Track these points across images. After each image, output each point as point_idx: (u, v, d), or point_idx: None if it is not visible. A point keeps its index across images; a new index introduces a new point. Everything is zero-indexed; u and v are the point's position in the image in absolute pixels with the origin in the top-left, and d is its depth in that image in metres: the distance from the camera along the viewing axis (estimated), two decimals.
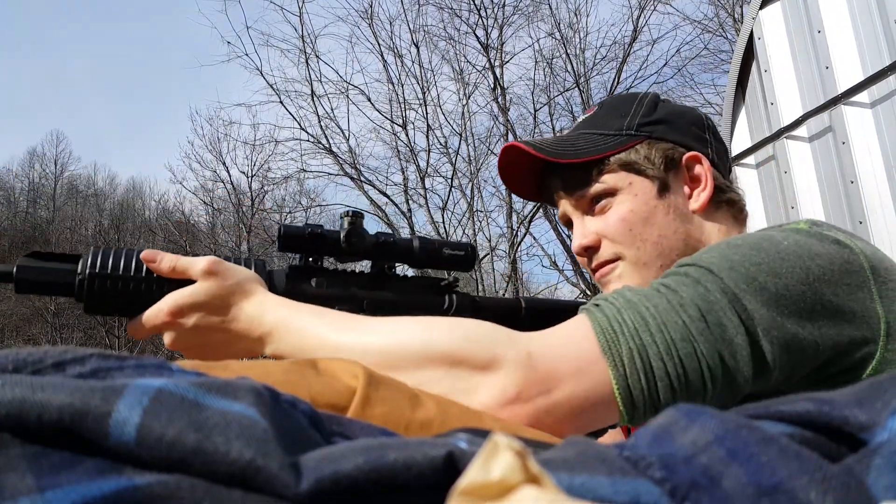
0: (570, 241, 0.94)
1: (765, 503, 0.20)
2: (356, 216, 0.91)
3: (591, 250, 0.87)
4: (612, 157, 0.84)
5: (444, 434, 0.36)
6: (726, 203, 0.87)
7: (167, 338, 0.77)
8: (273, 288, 0.85)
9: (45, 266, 0.78)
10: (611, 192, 0.85)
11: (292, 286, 0.87)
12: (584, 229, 0.87)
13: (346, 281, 0.92)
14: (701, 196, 0.84)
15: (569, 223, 0.91)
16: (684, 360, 0.59)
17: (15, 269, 0.77)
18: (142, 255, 0.79)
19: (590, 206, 0.87)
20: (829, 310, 0.63)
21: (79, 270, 0.77)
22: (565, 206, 0.90)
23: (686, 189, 0.86)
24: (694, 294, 0.62)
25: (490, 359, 0.58)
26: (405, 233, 13.07)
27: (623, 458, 0.23)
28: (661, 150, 0.84)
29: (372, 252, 0.92)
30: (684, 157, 0.85)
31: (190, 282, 0.78)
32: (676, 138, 0.86)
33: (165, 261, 0.78)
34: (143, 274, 0.78)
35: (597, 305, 0.64)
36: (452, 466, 0.23)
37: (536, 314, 1.03)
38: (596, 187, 0.85)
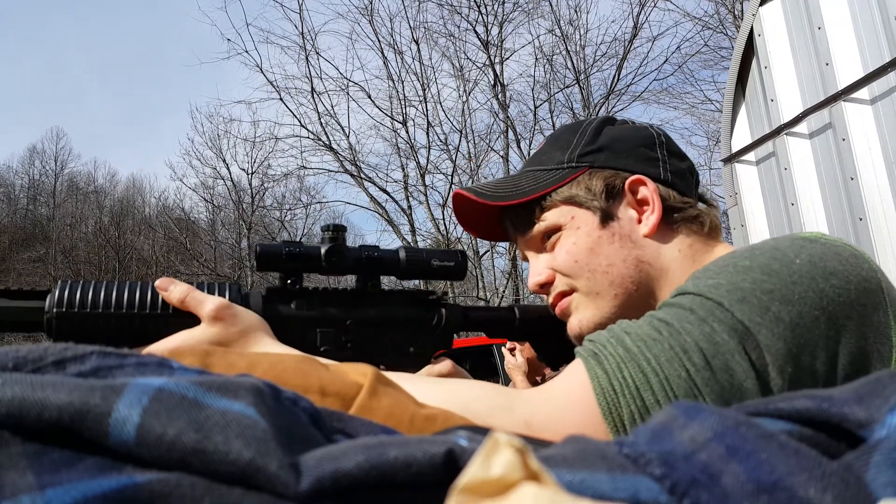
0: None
1: (764, 500, 0.20)
2: (337, 230, 0.87)
3: (546, 286, 0.87)
4: (552, 193, 0.83)
5: (445, 431, 0.37)
6: (684, 221, 0.83)
7: None
8: None
9: (11, 305, 0.76)
10: (556, 228, 0.84)
11: (270, 310, 0.84)
12: (538, 266, 0.87)
13: (328, 300, 0.88)
14: (650, 219, 0.82)
15: (527, 260, 0.91)
16: None
17: None
18: (156, 284, 0.78)
19: (541, 244, 0.87)
20: (843, 338, 0.60)
21: (46, 308, 0.75)
22: (520, 245, 0.90)
23: (634, 214, 0.83)
24: (699, 335, 0.59)
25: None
26: (405, 230, 13.07)
27: (623, 456, 0.23)
28: (602, 178, 0.83)
29: (355, 268, 0.88)
30: (627, 183, 0.83)
31: (157, 322, 0.77)
32: (619, 164, 0.84)
33: (177, 291, 0.77)
34: (113, 308, 0.76)
35: (594, 354, 0.62)
36: (453, 464, 0.23)
37: (531, 323, 1.01)
38: (540, 226, 0.85)
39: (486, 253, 13.51)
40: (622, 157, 0.84)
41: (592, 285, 0.82)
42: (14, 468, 0.21)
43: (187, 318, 0.78)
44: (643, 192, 0.83)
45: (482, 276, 13.49)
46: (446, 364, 0.94)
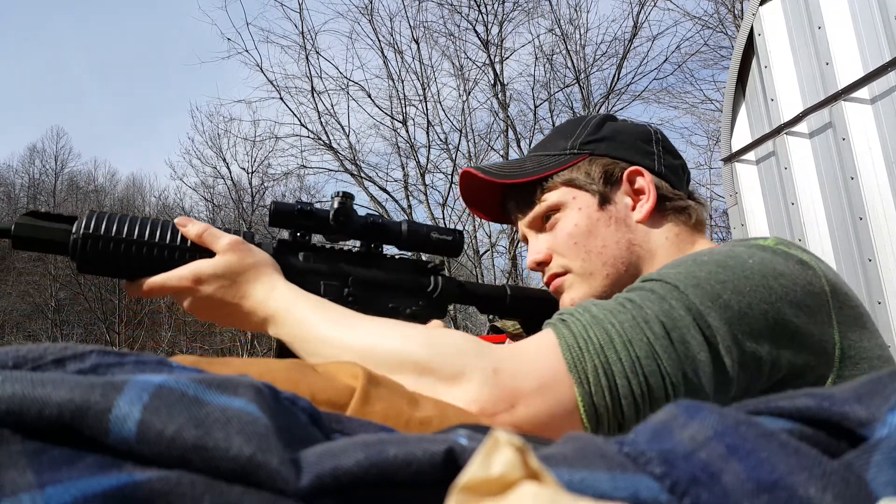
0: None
1: (764, 499, 0.20)
2: (346, 196, 0.93)
3: (542, 264, 0.92)
4: (554, 175, 0.90)
5: (444, 430, 0.37)
6: (674, 211, 0.90)
7: (185, 302, 0.83)
8: None
9: (41, 224, 0.81)
10: (556, 208, 0.90)
11: (279, 259, 0.89)
12: (537, 245, 0.93)
13: (333, 257, 0.93)
14: (644, 207, 0.88)
15: (527, 241, 0.97)
16: (649, 378, 0.60)
17: (13, 227, 0.80)
18: (175, 221, 0.84)
19: (541, 224, 0.93)
20: (789, 331, 0.65)
21: (73, 230, 0.80)
22: (521, 225, 0.96)
23: (629, 201, 0.90)
24: (659, 310, 0.63)
25: (456, 372, 0.60)
26: None
27: (623, 454, 0.23)
28: (601, 165, 0.89)
29: (361, 232, 0.94)
30: (626, 172, 0.89)
31: (174, 254, 0.83)
32: (617, 154, 0.90)
33: (195, 228, 0.84)
34: (135, 237, 0.81)
35: (563, 321, 0.66)
36: (452, 462, 0.23)
37: (521, 301, 1.06)
38: (541, 205, 0.91)
39: (486, 252, 13.52)
40: (621, 148, 0.91)
41: (587, 266, 0.88)
42: (14, 466, 0.21)
43: (204, 252, 0.83)
44: (640, 182, 0.89)
45: (482, 276, 13.49)
46: (437, 324, 0.98)
